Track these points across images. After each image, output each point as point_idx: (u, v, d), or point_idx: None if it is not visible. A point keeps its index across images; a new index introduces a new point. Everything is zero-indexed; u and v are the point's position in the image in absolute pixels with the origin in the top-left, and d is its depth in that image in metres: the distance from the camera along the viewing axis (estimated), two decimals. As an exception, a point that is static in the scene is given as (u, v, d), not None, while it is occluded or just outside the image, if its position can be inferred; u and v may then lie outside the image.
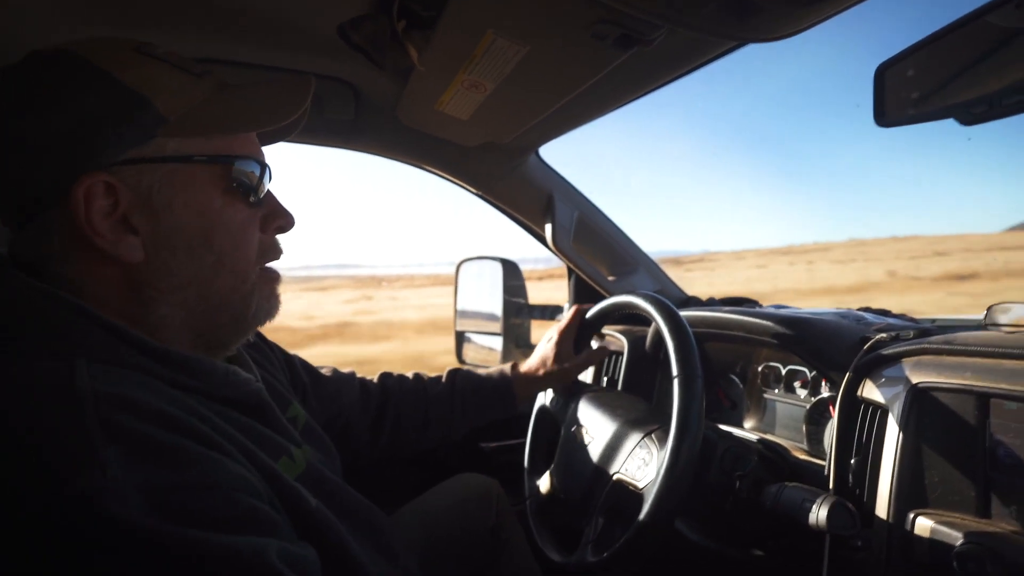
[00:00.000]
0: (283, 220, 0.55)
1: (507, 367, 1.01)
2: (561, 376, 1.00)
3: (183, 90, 0.48)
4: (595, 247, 1.32)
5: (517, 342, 1.54)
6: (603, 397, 0.96)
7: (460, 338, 1.69)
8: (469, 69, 0.73)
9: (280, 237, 0.57)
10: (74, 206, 0.44)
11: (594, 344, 1.18)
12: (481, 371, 1.01)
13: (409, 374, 1.00)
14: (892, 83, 0.61)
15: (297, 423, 0.66)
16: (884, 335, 0.78)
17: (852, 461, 0.70)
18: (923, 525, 0.59)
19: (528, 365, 1.01)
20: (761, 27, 0.55)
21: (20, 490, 0.35)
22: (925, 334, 0.75)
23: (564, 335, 1.00)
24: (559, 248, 1.23)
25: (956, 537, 0.56)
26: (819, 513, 0.63)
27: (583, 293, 1.40)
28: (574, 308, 1.05)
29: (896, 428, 0.65)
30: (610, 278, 1.35)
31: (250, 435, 0.49)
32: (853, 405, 0.73)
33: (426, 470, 1.24)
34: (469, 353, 1.70)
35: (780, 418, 1.03)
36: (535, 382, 1.01)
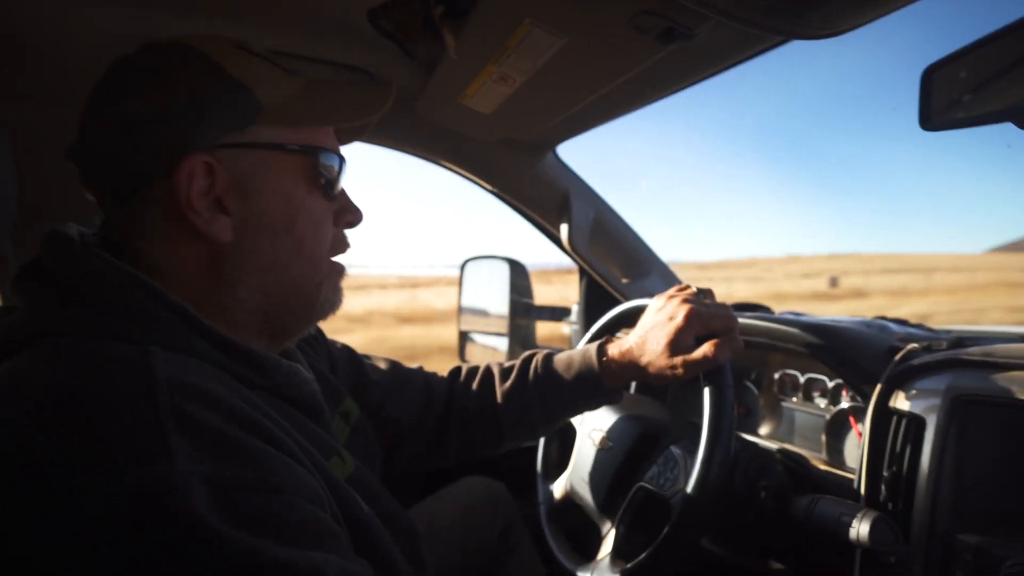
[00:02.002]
0: (353, 216, 0.57)
1: (592, 350, 0.78)
2: (667, 374, 0.71)
3: (279, 84, 0.51)
4: (609, 249, 1.30)
5: (523, 343, 1.52)
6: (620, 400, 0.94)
7: (464, 337, 1.67)
8: (500, 61, 0.71)
9: (347, 232, 0.59)
10: (176, 184, 0.45)
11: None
12: (561, 356, 0.81)
13: (481, 367, 0.84)
14: (941, 85, 0.59)
15: (350, 418, 0.64)
16: (915, 345, 0.76)
17: (885, 474, 0.68)
18: (966, 543, 0.57)
19: (623, 347, 0.76)
20: (816, 22, 0.53)
21: (85, 473, 0.33)
22: (959, 345, 0.73)
23: (691, 318, 0.70)
24: (575, 248, 1.21)
25: (1004, 557, 0.54)
26: (860, 528, 0.61)
27: (594, 295, 1.39)
28: (686, 288, 0.77)
29: (934, 441, 0.63)
30: (624, 280, 1.33)
31: (307, 434, 0.48)
32: (884, 416, 0.72)
33: (430, 473, 1.22)
34: (473, 353, 1.68)
35: (798, 427, 1.01)
36: (630, 372, 0.75)
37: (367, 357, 0.80)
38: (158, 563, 0.33)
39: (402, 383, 0.79)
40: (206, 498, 0.34)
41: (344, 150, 0.58)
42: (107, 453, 0.34)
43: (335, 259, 0.57)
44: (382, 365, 0.80)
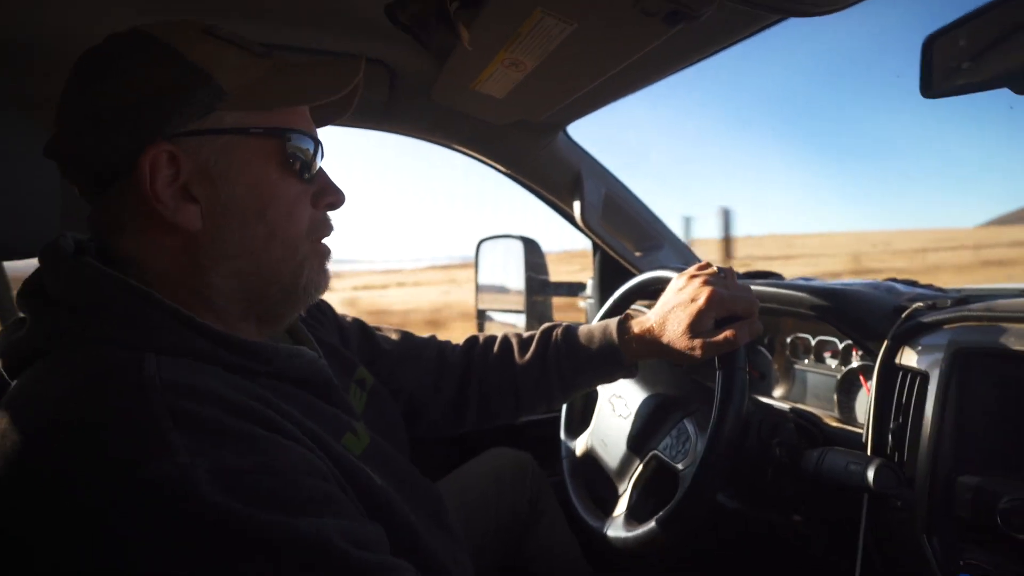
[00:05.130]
0: (334, 197, 0.56)
1: (613, 325, 0.80)
2: (686, 355, 0.73)
3: (243, 67, 0.50)
4: (622, 224, 1.33)
5: (540, 319, 1.57)
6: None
7: (481, 316, 1.72)
8: (512, 48, 0.74)
9: (330, 214, 0.58)
10: (140, 175, 0.46)
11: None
12: (581, 329, 0.83)
13: (499, 337, 0.86)
14: (941, 53, 0.61)
15: (365, 385, 0.67)
16: (920, 304, 0.79)
17: (891, 426, 0.72)
18: (966, 484, 0.61)
19: (644, 324, 0.77)
20: (815, 0, 0.55)
21: (91, 477, 0.35)
22: (963, 303, 0.76)
23: (712, 301, 0.71)
24: (588, 225, 1.24)
25: (1001, 495, 0.58)
26: (865, 474, 0.65)
27: (608, 269, 1.42)
28: (712, 267, 0.78)
29: (936, 393, 0.67)
30: (637, 254, 1.36)
31: (315, 415, 0.50)
32: (891, 372, 0.75)
33: (457, 445, 1.27)
34: (491, 330, 1.73)
35: (809, 388, 1.05)
36: (650, 350, 0.77)
37: (378, 329, 0.82)
38: (176, 550, 0.35)
39: (415, 353, 0.81)
40: (210, 484, 0.36)
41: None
42: (110, 457, 0.36)
43: (320, 241, 0.56)
44: (393, 336, 0.82)
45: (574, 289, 1.59)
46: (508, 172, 1.23)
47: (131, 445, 0.36)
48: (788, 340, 1.09)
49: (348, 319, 0.79)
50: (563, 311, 1.68)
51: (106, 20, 0.72)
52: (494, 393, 0.83)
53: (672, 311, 0.75)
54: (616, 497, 0.86)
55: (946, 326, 0.71)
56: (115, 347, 0.42)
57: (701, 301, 0.72)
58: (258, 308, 0.53)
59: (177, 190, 0.48)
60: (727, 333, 0.71)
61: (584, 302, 1.59)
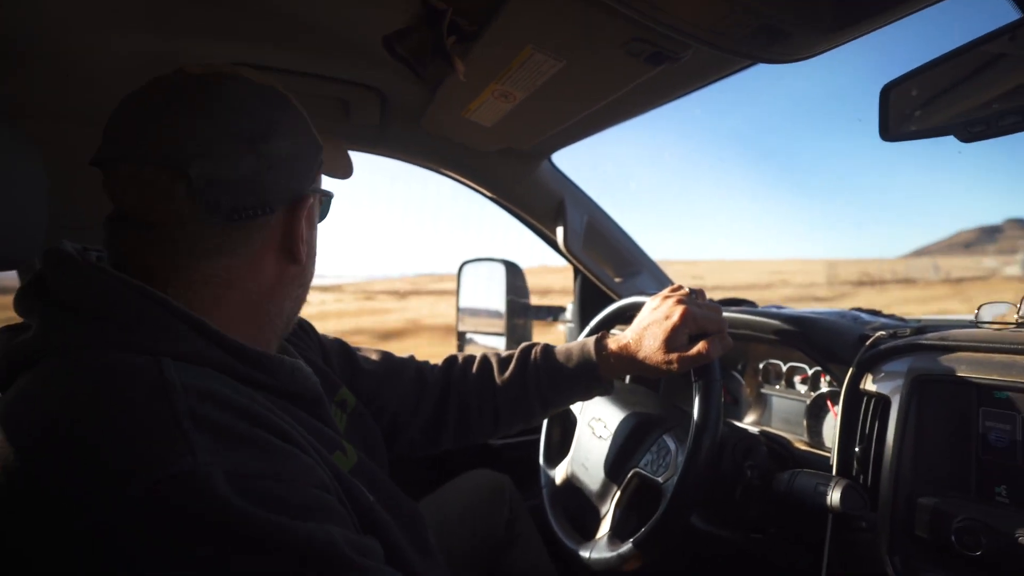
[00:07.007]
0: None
1: (591, 343, 0.83)
2: (662, 369, 0.77)
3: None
4: (602, 250, 1.37)
5: (520, 342, 1.59)
6: (616, 390, 1.00)
7: (462, 338, 1.73)
8: (502, 80, 0.78)
9: None
10: (298, 214, 0.55)
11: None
12: (559, 348, 0.86)
13: (477, 356, 0.90)
14: (896, 101, 0.66)
15: (346, 406, 0.68)
16: (883, 332, 0.83)
17: (856, 449, 0.76)
18: (925, 505, 0.65)
19: (621, 341, 0.81)
20: (783, 50, 0.60)
21: (117, 474, 0.36)
22: (920, 332, 0.81)
23: (686, 318, 0.76)
24: (570, 251, 1.28)
25: (955, 515, 0.61)
26: (833, 495, 0.68)
27: (588, 294, 1.46)
28: (686, 288, 0.83)
29: (897, 418, 0.71)
30: (616, 280, 1.40)
31: (309, 430, 0.52)
32: (856, 397, 0.79)
33: (436, 467, 1.28)
34: (471, 352, 1.74)
35: (780, 412, 1.09)
36: (627, 365, 0.81)
37: (358, 349, 0.84)
38: (194, 540, 0.36)
39: (395, 372, 0.83)
40: (227, 485, 0.38)
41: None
42: (135, 453, 0.37)
43: None
44: (374, 356, 0.84)
45: (554, 313, 1.62)
46: (494, 197, 1.27)
47: (155, 444, 0.38)
48: (760, 366, 1.13)
49: (329, 338, 0.80)
50: (543, 334, 1.71)
51: (102, 33, 0.74)
52: (473, 412, 0.85)
53: (648, 328, 0.79)
54: (598, 520, 0.87)
55: (904, 354, 0.76)
56: (132, 351, 0.44)
57: (675, 318, 0.77)
58: (289, 326, 0.60)
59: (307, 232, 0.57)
60: (700, 347, 0.76)
61: (564, 326, 1.61)
